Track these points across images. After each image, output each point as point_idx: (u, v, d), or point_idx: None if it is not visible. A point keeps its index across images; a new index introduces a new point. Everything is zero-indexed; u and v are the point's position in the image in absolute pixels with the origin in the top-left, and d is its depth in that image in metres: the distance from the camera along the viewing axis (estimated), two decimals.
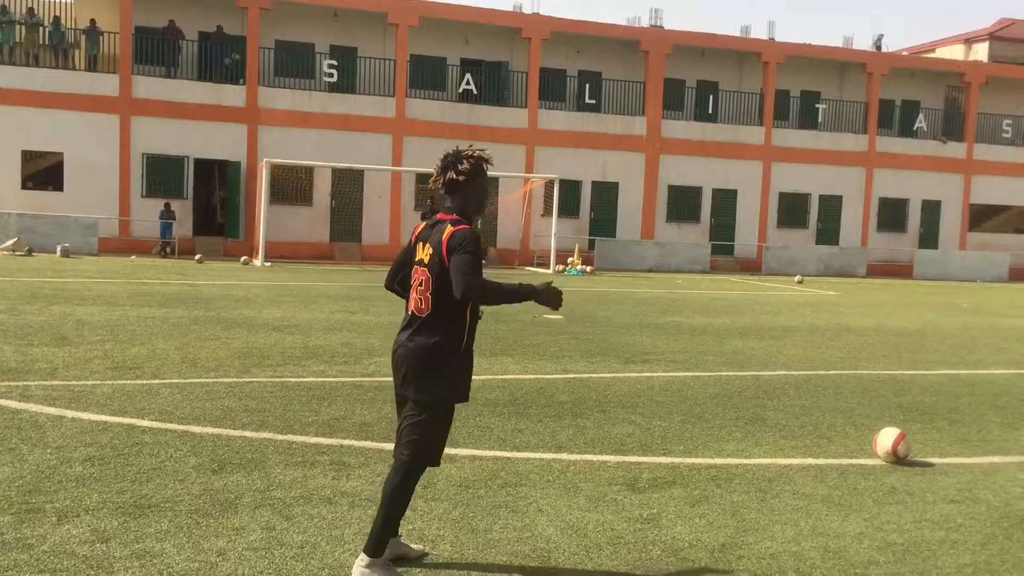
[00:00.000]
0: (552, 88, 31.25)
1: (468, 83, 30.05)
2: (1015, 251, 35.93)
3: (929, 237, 35.56)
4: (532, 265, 29.29)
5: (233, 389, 7.64)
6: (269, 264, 23.79)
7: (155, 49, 27.22)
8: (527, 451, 6.09)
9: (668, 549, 4.39)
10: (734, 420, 7.29)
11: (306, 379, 8.26)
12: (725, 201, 32.99)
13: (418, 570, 3.99)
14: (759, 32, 46.97)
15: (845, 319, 16.11)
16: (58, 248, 23.37)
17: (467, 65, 30.63)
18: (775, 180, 33.49)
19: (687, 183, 32.54)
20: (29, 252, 23.46)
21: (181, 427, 6.28)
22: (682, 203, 32.59)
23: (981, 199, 36.19)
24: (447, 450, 5.96)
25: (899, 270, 34.15)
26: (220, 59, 27.77)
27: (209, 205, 29.05)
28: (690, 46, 32.60)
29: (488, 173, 3.99)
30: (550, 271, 26.80)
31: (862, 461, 6.19)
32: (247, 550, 4.12)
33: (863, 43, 45.26)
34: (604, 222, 31.63)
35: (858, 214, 34.63)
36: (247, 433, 6.19)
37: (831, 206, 34.36)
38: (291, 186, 27.89)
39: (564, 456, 6.01)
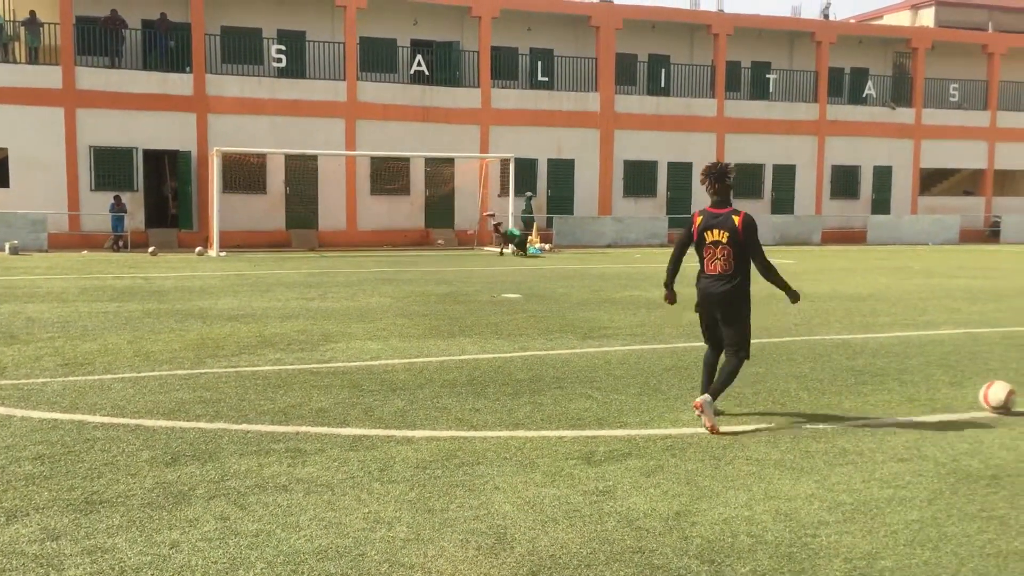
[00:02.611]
0: (504, 66, 31.12)
1: (420, 64, 29.80)
2: (965, 213, 36.57)
3: (881, 203, 36.05)
4: (491, 245, 29.25)
5: (187, 381, 7.56)
6: (224, 254, 23.52)
7: (97, 39, 26.63)
8: (484, 430, 6.10)
9: (623, 519, 4.43)
10: (690, 390, 7.36)
11: (262, 368, 8.20)
12: (680, 174, 33.15)
13: (374, 552, 4.00)
14: (708, 4, 47.12)
15: (800, 286, 16.15)
16: (6, 246, 22.91)
17: (418, 46, 30.38)
18: (729, 151, 33.68)
19: (642, 157, 32.65)
20: None
21: (134, 421, 6.21)
22: (638, 178, 32.70)
23: (931, 163, 36.72)
24: (404, 432, 6.01)
25: (853, 236, 34.63)
26: (165, 47, 27.26)
27: (161, 196, 28.60)
28: (640, 20, 32.62)
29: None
30: (508, 250, 26.78)
31: (814, 425, 6.29)
32: (201, 541, 4.09)
33: (811, 12, 45.52)
34: (561, 199, 31.65)
35: (811, 182, 34.99)
36: (201, 424, 6.14)
37: (785, 175, 34.67)
38: (244, 174, 27.54)
39: (521, 433, 6.03)
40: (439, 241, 28.99)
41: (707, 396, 6.07)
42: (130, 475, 5.03)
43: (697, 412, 6.05)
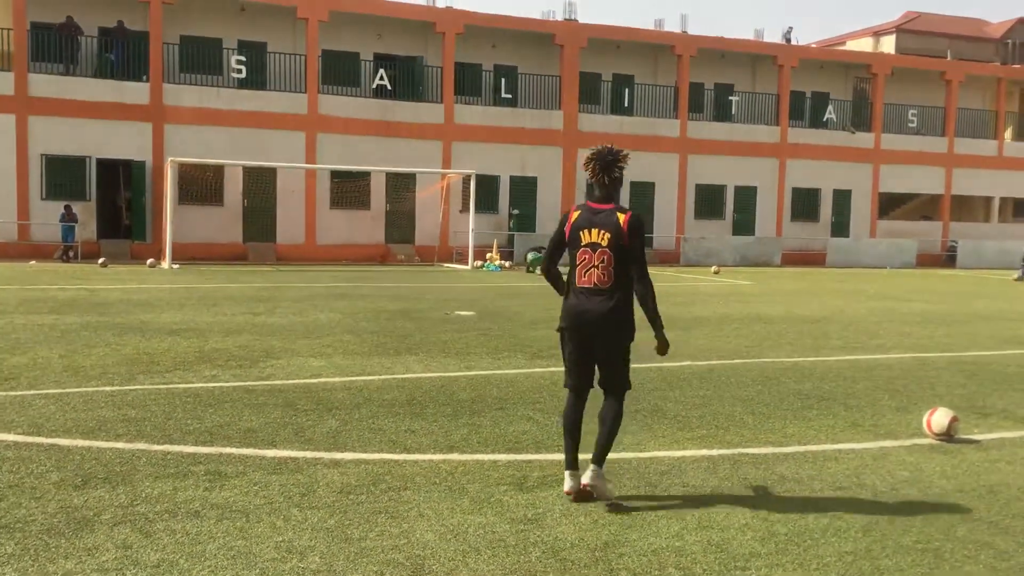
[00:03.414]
0: (468, 83, 31.06)
1: (382, 78, 29.66)
2: (922, 238, 37.02)
3: (840, 226, 36.40)
4: (451, 261, 29.07)
5: (114, 398, 7.27)
6: (177, 267, 23.10)
7: (52, 45, 26.18)
8: (417, 453, 5.89)
9: (548, 550, 4.25)
10: (633, 413, 7.18)
11: (195, 385, 7.92)
12: (643, 194, 33.20)
13: None
14: (672, 25, 47.60)
15: (756, 308, 16.30)
16: None
17: (381, 60, 30.23)
18: (691, 172, 33.87)
19: None
20: None
21: (49, 440, 5.92)
22: None
23: (889, 187, 37.17)
24: (333, 455, 5.79)
25: (813, 258, 34.90)
26: (121, 55, 26.83)
27: (115, 207, 28.09)
28: (605, 39, 32.75)
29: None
30: (468, 267, 26.61)
31: (755, 450, 6.16)
32: (96, 572, 3.84)
33: (774, 36, 46.08)
34: (524, 217, 31.55)
35: (772, 204, 35.25)
36: (120, 444, 5.87)
37: (746, 197, 34.90)
38: (201, 186, 27.15)
39: (455, 456, 5.83)
40: (400, 257, 28.76)
41: (595, 468, 4.89)
42: (34, 499, 4.76)
43: (584, 488, 4.87)
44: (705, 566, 4.10)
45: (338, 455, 5.79)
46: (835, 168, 35.89)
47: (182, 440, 6.03)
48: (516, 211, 30.86)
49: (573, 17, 33.19)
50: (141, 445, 5.87)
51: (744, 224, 34.82)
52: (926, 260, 36.28)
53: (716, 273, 26.74)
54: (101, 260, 23.28)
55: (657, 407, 7.46)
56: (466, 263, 27.22)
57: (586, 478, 4.88)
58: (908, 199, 38.86)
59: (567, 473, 4.94)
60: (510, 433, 6.48)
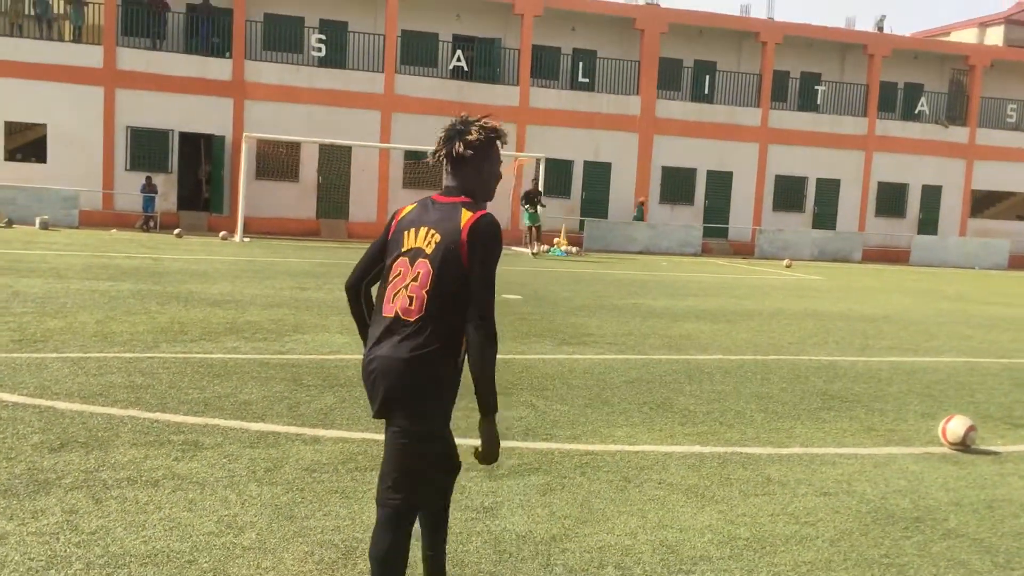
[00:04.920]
0: (545, 66, 30.85)
1: (459, 60, 29.68)
2: (1016, 238, 35.32)
3: (929, 223, 35.00)
4: (522, 245, 28.96)
5: (129, 364, 7.43)
6: (248, 240, 23.61)
7: (141, 20, 26.98)
8: None
9: (491, 541, 4.15)
10: (639, 405, 7.03)
11: (213, 355, 8.04)
12: (720, 183, 32.54)
13: (206, 559, 3.76)
14: (758, 11, 46.34)
15: (815, 304, 15.77)
16: (37, 220, 23.25)
17: (459, 41, 30.25)
18: (771, 163, 33.00)
19: (681, 164, 32.11)
20: (9, 224, 23.36)
21: (47, 403, 6.07)
22: (676, 185, 32.17)
23: (983, 185, 35.56)
24: (317, 432, 5.77)
25: (896, 256, 33.65)
26: (207, 32, 27.50)
27: (195, 179, 28.86)
28: (687, 25, 32.09)
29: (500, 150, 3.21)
30: (534, 251, 26.48)
31: (750, 450, 5.92)
32: (32, 535, 3.90)
33: (866, 25, 44.40)
34: (596, 203, 31.25)
35: (856, 198, 34.11)
36: (113, 410, 5.98)
37: (828, 190, 33.84)
38: (277, 162, 27.67)
39: None
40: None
41: None
42: (7, 459, 4.87)
43: None
44: (647, 567, 3.94)
45: (321, 432, 5.78)
46: (925, 163, 34.49)
47: (176, 409, 6.11)
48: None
49: (654, 1, 32.62)
50: (133, 412, 5.97)
51: (825, 218, 33.79)
52: (1020, 262, 34.60)
53: (788, 267, 26.01)
54: (177, 231, 23.97)
55: (667, 400, 7.25)
56: (533, 246, 27.03)
57: None
58: (1003, 197, 37.05)
59: None
60: (504, 419, 6.36)
